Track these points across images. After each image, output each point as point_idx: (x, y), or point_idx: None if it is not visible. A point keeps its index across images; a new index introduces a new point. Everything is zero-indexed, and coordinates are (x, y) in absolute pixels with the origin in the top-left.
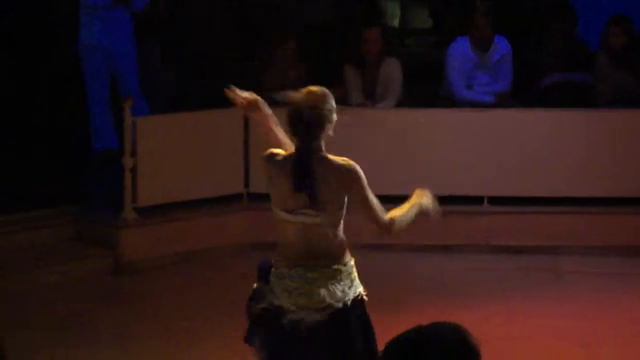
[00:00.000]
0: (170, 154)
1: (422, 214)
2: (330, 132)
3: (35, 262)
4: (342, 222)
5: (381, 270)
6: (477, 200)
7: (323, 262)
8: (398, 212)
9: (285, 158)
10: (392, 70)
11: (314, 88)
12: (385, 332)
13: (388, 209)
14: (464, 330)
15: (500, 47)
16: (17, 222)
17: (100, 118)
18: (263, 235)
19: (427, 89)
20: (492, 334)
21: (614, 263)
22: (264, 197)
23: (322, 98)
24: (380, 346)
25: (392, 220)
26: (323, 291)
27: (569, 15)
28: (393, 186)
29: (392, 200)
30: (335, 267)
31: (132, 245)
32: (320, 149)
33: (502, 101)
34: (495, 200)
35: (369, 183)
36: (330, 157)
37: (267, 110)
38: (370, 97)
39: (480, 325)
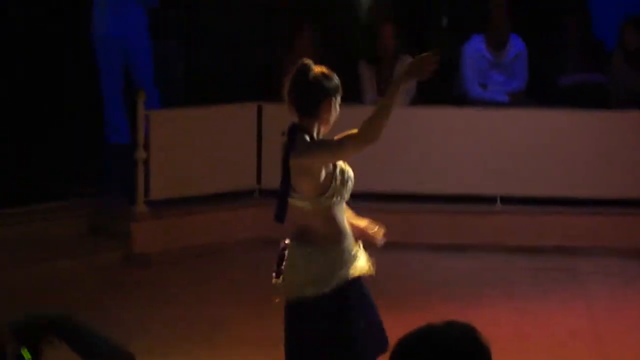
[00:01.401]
0: (183, 148)
1: (406, 81)
2: (326, 118)
3: (49, 253)
4: (333, 210)
5: (394, 268)
6: (491, 200)
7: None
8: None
9: None
10: None
11: (315, 68)
12: (396, 328)
13: (400, 210)
14: (475, 329)
15: (515, 45)
16: (32, 214)
17: (114, 111)
18: (275, 231)
19: (441, 87)
20: (504, 333)
21: (628, 265)
22: (276, 193)
23: (311, 78)
24: (392, 343)
25: (359, 129)
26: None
27: (584, 15)
28: (406, 184)
29: (405, 199)
30: (310, 249)
31: (144, 238)
32: (304, 130)
33: (517, 100)
34: (508, 200)
35: (380, 181)
36: (303, 137)
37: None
38: (384, 94)
39: (492, 325)
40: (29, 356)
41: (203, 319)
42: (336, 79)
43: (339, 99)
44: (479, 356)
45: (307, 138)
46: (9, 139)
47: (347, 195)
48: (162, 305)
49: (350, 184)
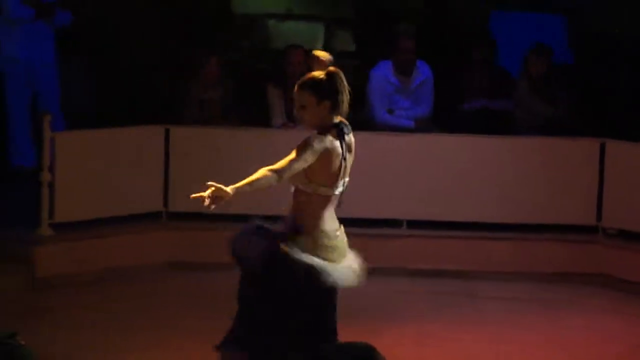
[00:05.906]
0: (89, 170)
1: None
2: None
3: None
4: None
5: None
6: (396, 223)
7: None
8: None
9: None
10: None
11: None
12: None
13: None
14: (374, 348)
15: (422, 72)
16: None
17: (20, 134)
18: (181, 255)
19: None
20: (405, 355)
21: (527, 289)
22: (183, 216)
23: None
24: None
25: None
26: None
27: (489, 42)
28: None
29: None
30: None
31: (48, 261)
32: None
33: (422, 126)
34: (413, 224)
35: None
36: None
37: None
38: (293, 118)
39: (394, 347)
40: None
41: (107, 345)
42: None
43: None
44: None
45: None
46: None
47: None
48: (66, 330)
49: None
